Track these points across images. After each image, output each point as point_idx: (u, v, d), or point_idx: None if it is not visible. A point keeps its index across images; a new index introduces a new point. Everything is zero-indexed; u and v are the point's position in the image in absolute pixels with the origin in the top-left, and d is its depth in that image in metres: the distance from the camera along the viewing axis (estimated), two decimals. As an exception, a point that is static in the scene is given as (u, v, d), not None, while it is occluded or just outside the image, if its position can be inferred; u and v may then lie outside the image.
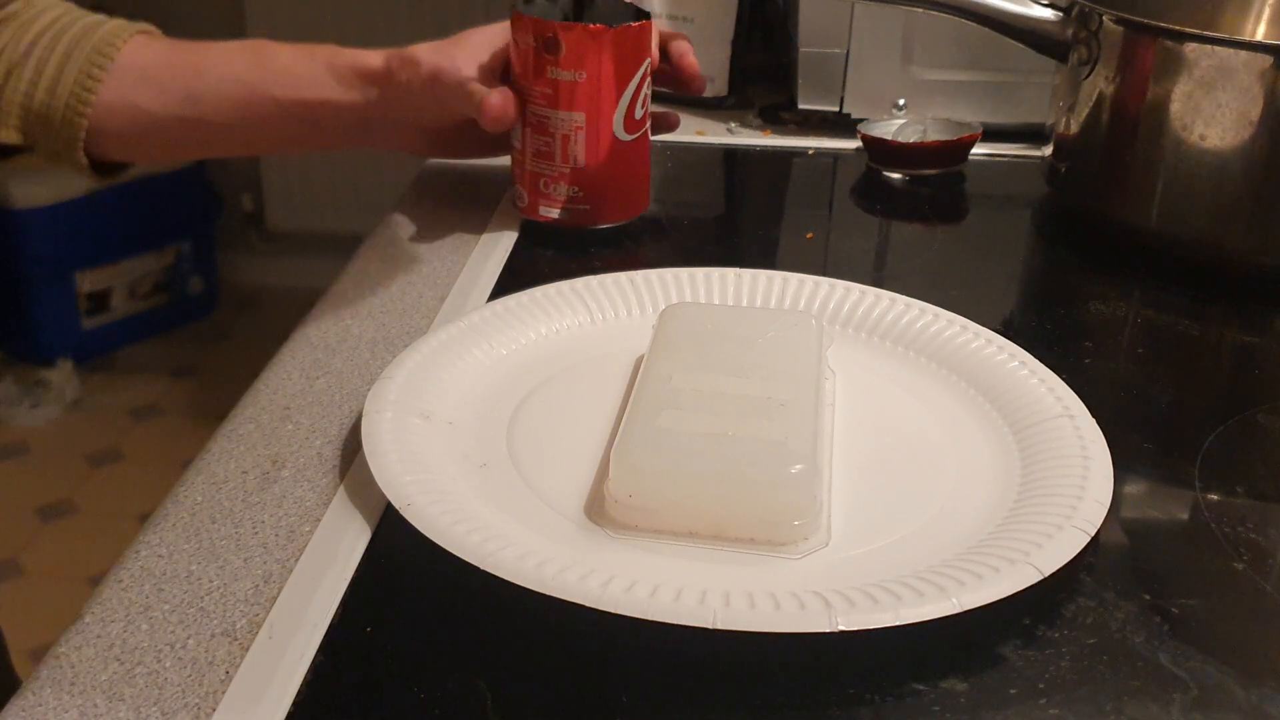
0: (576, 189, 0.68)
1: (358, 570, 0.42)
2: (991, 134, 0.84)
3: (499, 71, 0.68)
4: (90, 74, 0.66)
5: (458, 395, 0.51)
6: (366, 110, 0.68)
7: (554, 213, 0.69)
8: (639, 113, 0.68)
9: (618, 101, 0.67)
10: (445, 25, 0.72)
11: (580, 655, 0.39)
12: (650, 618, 0.37)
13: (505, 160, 0.82)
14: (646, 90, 0.68)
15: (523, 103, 0.67)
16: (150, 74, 0.67)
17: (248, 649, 0.39)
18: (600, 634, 0.38)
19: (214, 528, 0.45)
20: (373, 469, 0.44)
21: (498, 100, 0.65)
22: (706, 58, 0.93)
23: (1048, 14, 0.74)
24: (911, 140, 0.82)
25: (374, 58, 0.68)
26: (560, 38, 0.64)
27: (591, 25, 0.64)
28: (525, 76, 0.66)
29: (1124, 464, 0.47)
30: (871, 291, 0.59)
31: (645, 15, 0.67)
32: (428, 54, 0.67)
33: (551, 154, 0.68)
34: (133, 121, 0.68)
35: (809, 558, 0.42)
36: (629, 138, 0.68)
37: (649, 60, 0.68)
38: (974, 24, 0.75)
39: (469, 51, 0.67)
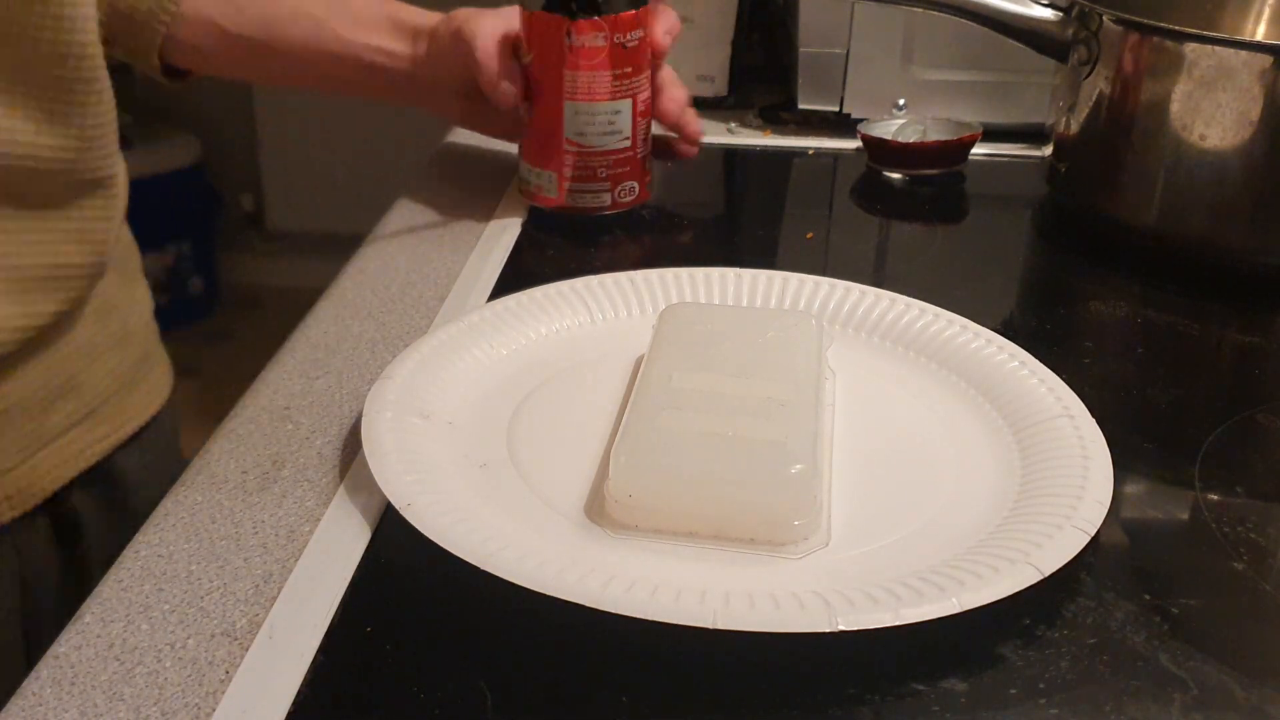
0: (635, 181, 0.71)
1: (358, 570, 0.42)
2: (991, 134, 0.84)
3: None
4: None
5: (458, 395, 0.51)
6: (414, 65, 0.71)
7: (626, 199, 0.72)
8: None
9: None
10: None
11: (580, 655, 0.39)
12: (650, 618, 0.37)
13: (505, 159, 0.82)
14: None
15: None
16: None
17: (248, 649, 0.39)
18: (600, 634, 0.38)
19: (214, 528, 0.45)
20: (373, 469, 0.44)
21: (506, 91, 0.67)
22: (706, 58, 0.93)
23: (1048, 14, 0.74)
24: (911, 140, 0.82)
25: (430, 16, 0.71)
26: (638, 28, 0.67)
27: (647, 7, 0.67)
28: (607, 80, 0.67)
29: (1124, 464, 0.47)
30: (871, 291, 0.59)
31: None
32: (464, 14, 0.69)
33: (635, 151, 0.70)
34: (207, 36, 0.70)
35: (809, 558, 0.42)
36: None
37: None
38: (974, 24, 0.75)
39: (496, 15, 0.69)
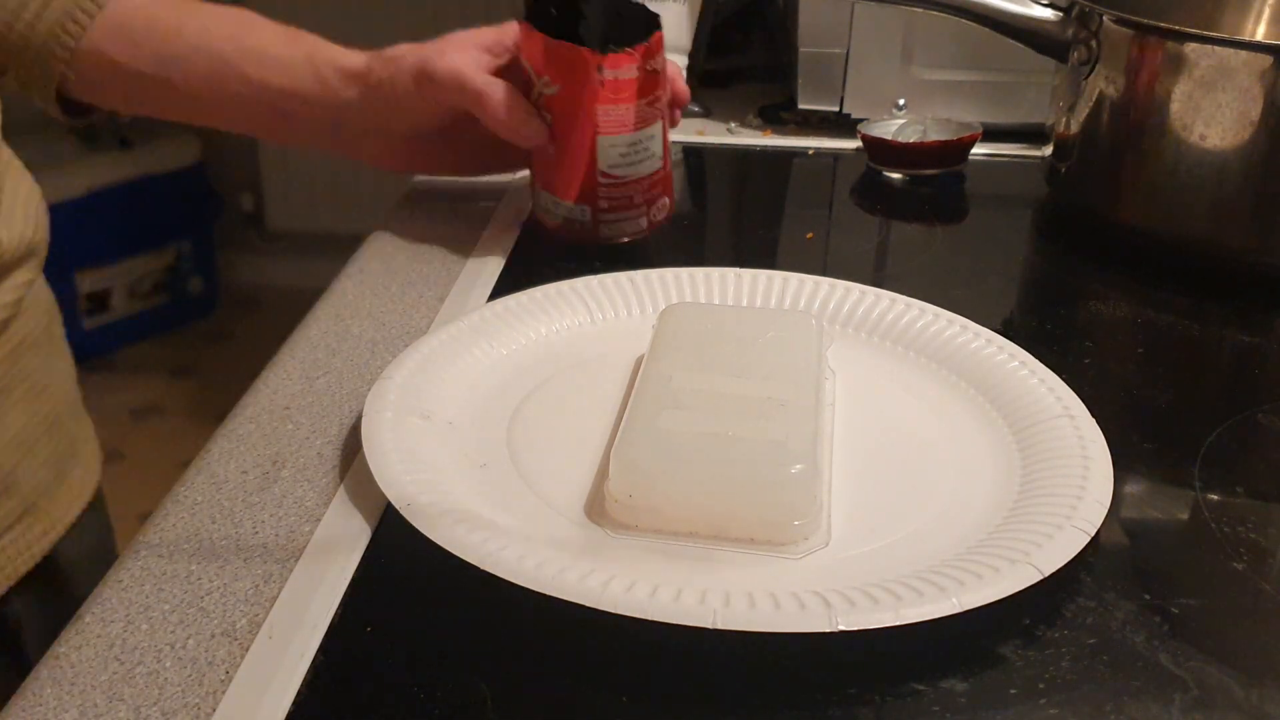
0: (666, 197, 0.69)
1: (358, 570, 0.42)
2: (991, 134, 0.84)
3: (496, 72, 0.64)
4: (74, 18, 0.63)
5: (458, 395, 0.51)
6: (340, 111, 0.65)
7: (659, 216, 0.69)
8: None
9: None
10: (445, 27, 0.71)
11: (580, 655, 0.39)
12: (650, 618, 0.37)
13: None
14: None
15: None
16: (127, 27, 0.64)
17: (248, 649, 0.39)
18: (600, 634, 0.38)
19: (214, 528, 0.45)
20: (373, 469, 0.44)
21: (538, 129, 0.62)
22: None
23: (1048, 14, 0.74)
24: (911, 140, 0.82)
25: (356, 57, 0.65)
26: (661, 51, 0.64)
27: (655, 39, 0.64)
28: (640, 109, 0.64)
29: (1124, 464, 0.47)
30: (871, 291, 0.59)
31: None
32: (412, 50, 0.63)
33: (665, 168, 0.68)
34: (100, 70, 0.65)
35: (809, 558, 0.42)
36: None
37: None
38: (974, 24, 0.75)
39: (459, 48, 0.64)
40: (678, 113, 0.71)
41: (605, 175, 0.65)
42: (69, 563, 0.67)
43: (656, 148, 0.66)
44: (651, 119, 0.65)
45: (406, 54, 0.63)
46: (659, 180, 0.67)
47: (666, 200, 0.69)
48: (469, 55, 0.63)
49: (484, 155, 0.70)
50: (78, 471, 0.69)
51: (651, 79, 0.64)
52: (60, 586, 0.66)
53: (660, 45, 0.64)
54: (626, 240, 0.67)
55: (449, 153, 0.70)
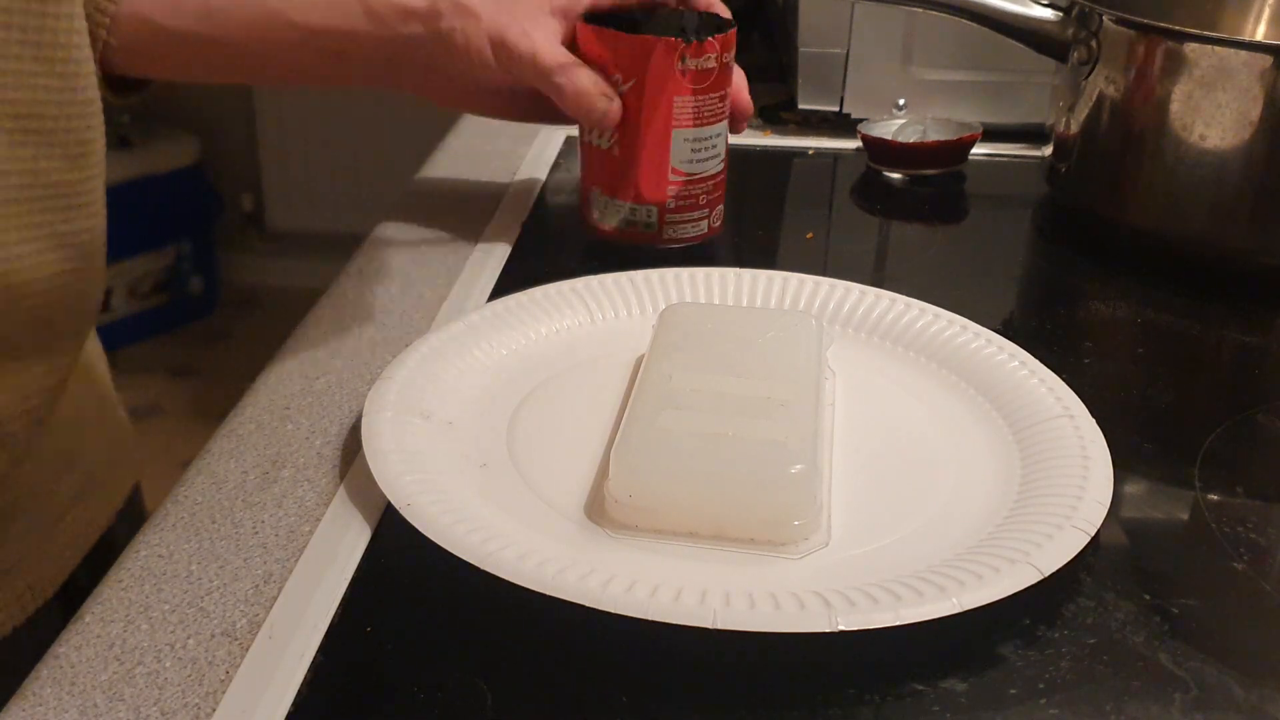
0: (722, 203, 0.68)
1: (358, 570, 0.42)
2: (991, 134, 0.84)
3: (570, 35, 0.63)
4: None
5: (458, 395, 0.51)
6: (398, 48, 0.63)
7: (717, 223, 0.68)
8: None
9: None
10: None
11: (580, 655, 0.39)
12: (650, 618, 0.37)
13: (505, 159, 0.82)
14: None
15: (660, 129, 0.63)
16: None
17: (248, 649, 0.39)
18: (600, 634, 0.38)
19: (214, 528, 0.45)
20: (373, 469, 0.44)
21: (616, 109, 0.61)
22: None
23: (1048, 14, 0.74)
24: (911, 140, 0.82)
25: None
26: (734, 46, 0.63)
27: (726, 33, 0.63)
28: (714, 102, 0.64)
29: (1124, 464, 0.47)
30: (871, 291, 0.59)
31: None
32: (489, 9, 0.62)
33: (725, 172, 0.67)
34: (143, 36, 0.63)
35: (809, 558, 0.42)
36: None
37: None
38: (974, 24, 0.75)
39: (534, 17, 0.62)
40: (742, 124, 0.69)
41: (676, 172, 0.64)
42: (123, 542, 0.68)
43: (722, 147, 0.66)
44: (721, 115, 0.65)
45: (481, 11, 0.62)
46: (720, 183, 0.67)
47: (722, 206, 0.68)
48: (546, 28, 0.62)
49: (546, 105, 0.68)
50: (124, 451, 0.70)
51: (725, 73, 0.63)
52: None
53: (734, 40, 0.63)
54: (690, 242, 0.66)
55: (512, 100, 0.69)
